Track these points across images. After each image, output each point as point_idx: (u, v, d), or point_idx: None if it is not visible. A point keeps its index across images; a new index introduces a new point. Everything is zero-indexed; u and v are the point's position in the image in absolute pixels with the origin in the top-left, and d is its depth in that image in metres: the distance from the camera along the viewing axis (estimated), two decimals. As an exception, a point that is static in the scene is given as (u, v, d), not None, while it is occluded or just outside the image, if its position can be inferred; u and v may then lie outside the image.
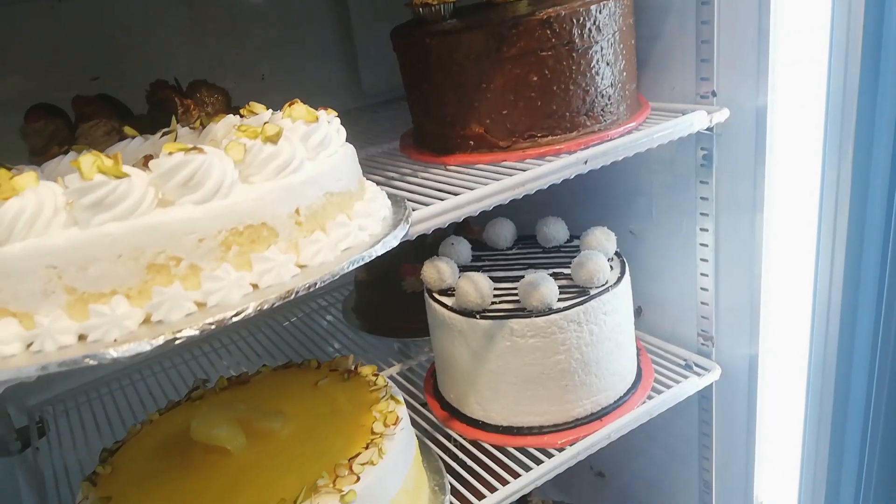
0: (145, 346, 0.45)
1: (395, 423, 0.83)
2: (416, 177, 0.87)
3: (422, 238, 1.38)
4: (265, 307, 0.49)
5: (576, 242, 1.09)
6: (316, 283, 0.52)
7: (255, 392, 0.95)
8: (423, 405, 1.11)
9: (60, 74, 1.14)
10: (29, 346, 0.48)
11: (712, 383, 1.08)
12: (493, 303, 0.98)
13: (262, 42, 1.30)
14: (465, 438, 1.02)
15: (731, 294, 1.07)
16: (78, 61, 1.15)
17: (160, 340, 0.46)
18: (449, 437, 1.03)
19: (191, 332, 0.47)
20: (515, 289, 0.98)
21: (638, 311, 1.20)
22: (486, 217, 1.17)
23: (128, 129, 0.69)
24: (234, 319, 0.48)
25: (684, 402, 1.14)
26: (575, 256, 0.98)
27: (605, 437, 0.97)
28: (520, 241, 1.17)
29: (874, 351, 1.02)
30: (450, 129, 0.91)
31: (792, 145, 0.95)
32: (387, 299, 1.33)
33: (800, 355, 1.07)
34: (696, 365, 1.09)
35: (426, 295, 1.05)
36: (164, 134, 0.71)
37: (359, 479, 0.74)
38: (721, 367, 1.08)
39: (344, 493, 0.72)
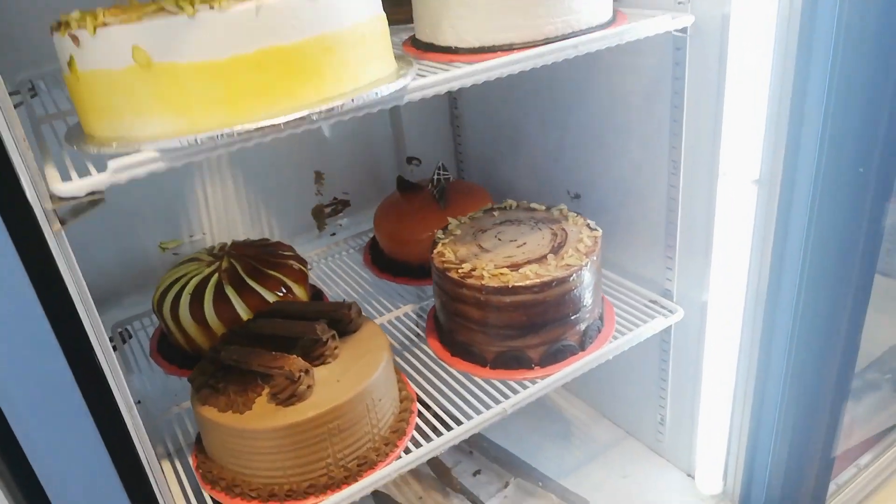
0: None
1: None
2: None
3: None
4: None
5: None
6: None
7: None
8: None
9: None
10: None
11: (687, 30, 1.10)
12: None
13: None
14: (439, 63, 1.04)
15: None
16: None
17: None
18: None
19: None
20: None
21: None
22: None
23: None
24: None
25: (659, 76, 1.17)
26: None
27: (571, 47, 0.99)
28: None
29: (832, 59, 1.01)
30: None
31: None
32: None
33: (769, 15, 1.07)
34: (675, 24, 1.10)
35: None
36: None
37: None
38: (694, 16, 1.10)
39: None
